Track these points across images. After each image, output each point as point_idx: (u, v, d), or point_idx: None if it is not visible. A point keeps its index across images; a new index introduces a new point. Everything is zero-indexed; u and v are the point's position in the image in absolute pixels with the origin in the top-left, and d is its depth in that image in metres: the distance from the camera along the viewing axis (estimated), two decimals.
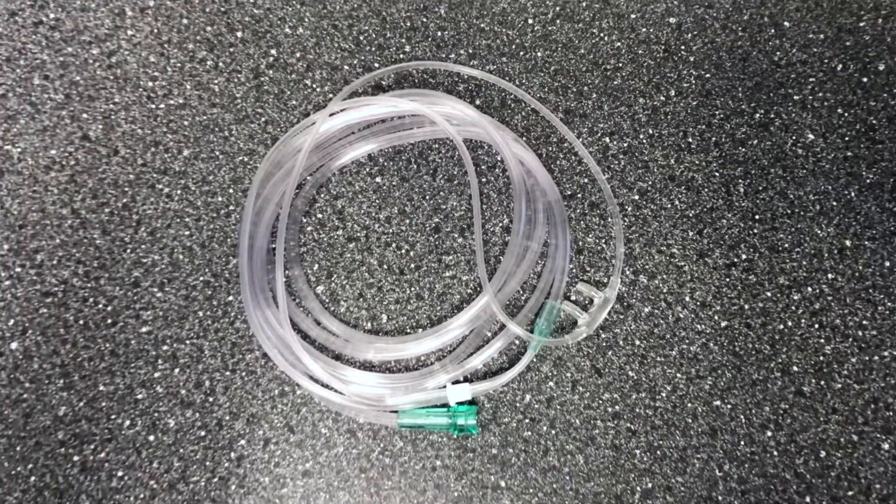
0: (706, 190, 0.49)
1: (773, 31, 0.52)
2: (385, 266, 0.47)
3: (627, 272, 0.48)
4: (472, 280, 0.47)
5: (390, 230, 0.48)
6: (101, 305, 0.47)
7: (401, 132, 0.48)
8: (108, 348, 0.43)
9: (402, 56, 0.51)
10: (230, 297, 0.47)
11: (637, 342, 0.47)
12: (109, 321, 0.46)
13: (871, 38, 0.52)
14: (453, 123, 0.48)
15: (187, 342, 0.46)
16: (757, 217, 0.49)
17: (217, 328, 0.46)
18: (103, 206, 0.48)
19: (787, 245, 0.48)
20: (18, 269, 0.47)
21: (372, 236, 0.48)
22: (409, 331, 0.46)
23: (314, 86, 0.50)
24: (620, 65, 0.51)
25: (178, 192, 0.48)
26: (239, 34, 0.50)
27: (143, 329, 0.46)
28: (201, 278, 0.47)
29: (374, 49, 0.51)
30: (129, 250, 0.47)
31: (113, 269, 0.47)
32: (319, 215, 0.48)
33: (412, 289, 0.47)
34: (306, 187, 0.48)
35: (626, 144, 0.50)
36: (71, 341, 0.46)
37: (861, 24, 0.52)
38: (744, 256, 0.48)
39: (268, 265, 0.46)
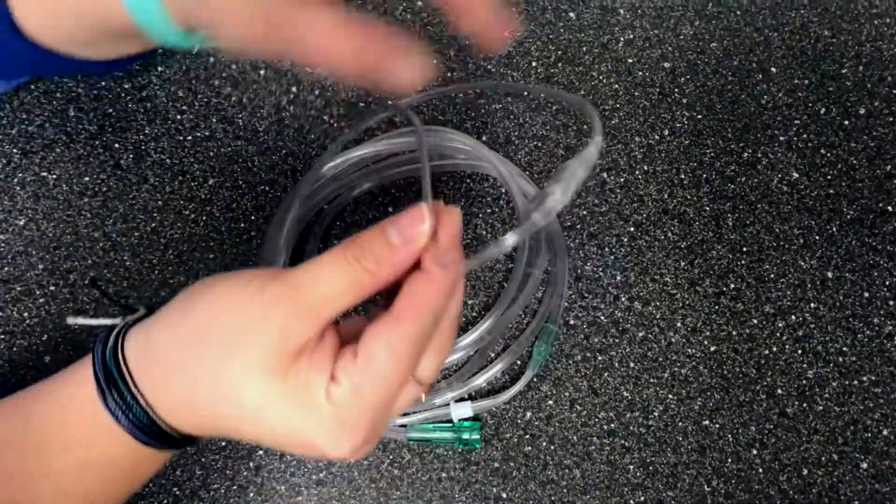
0: (697, 223, 0.54)
1: (760, 76, 0.57)
2: None
3: (623, 299, 0.52)
4: (477, 304, 0.52)
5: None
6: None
7: (414, 165, 0.53)
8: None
9: (414, 94, 0.56)
10: None
11: (631, 364, 0.51)
12: None
13: (853, 84, 0.57)
14: (461, 158, 0.53)
15: None
16: (745, 249, 0.53)
17: None
18: (133, 231, 0.52)
19: (772, 276, 0.53)
20: (52, 288, 0.51)
21: None
22: None
23: (331, 121, 0.55)
24: (618, 105, 0.56)
25: (204, 218, 0.53)
26: (262, 72, 0.55)
27: None
28: None
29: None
30: (156, 272, 0.52)
31: (142, 289, 0.51)
32: (335, 242, 0.53)
33: None
34: (324, 216, 0.53)
35: (622, 179, 0.54)
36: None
37: (843, 71, 0.58)
38: (732, 286, 0.53)
39: None
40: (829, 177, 0.55)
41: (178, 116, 0.55)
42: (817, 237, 0.54)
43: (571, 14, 0.59)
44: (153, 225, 0.53)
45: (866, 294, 0.53)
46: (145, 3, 0.41)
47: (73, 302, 0.51)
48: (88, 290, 0.52)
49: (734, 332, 0.52)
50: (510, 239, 0.31)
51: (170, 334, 0.34)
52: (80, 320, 0.51)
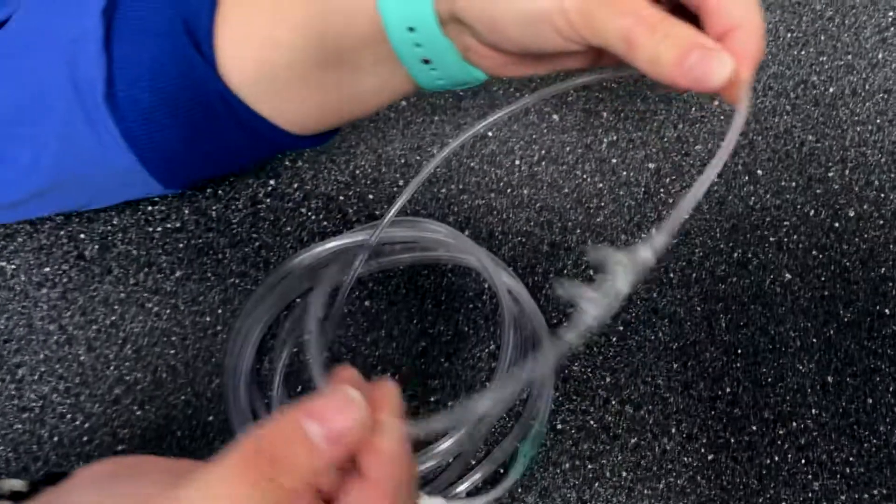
0: (689, 323, 0.52)
1: (747, 178, 0.58)
2: None
3: (613, 402, 0.50)
4: (459, 406, 0.49)
5: (377, 353, 0.50)
6: (78, 422, 0.48)
7: (391, 257, 0.52)
8: (80, 466, 0.44)
9: (394, 189, 0.55)
10: (210, 417, 0.48)
11: (624, 473, 0.48)
12: (85, 438, 0.47)
13: (840, 188, 0.57)
14: (441, 250, 0.52)
15: None
16: (739, 351, 0.52)
17: (194, 448, 0.47)
18: (91, 324, 0.50)
19: (770, 379, 0.51)
20: None
21: (358, 359, 0.50)
22: None
23: (310, 213, 0.54)
24: (603, 204, 0.56)
25: (168, 311, 0.51)
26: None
27: (119, 447, 0.47)
28: (182, 397, 0.48)
29: (368, 182, 0.56)
30: (112, 367, 0.49)
31: (94, 386, 0.49)
32: (307, 336, 0.50)
33: None
34: (296, 311, 0.51)
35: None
36: (43, 458, 0.47)
37: (830, 175, 0.58)
38: (728, 389, 0.50)
39: (251, 385, 0.48)
40: (822, 278, 0.54)
41: (150, 207, 0.54)
42: (814, 340, 0.52)
43: (555, 116, 0.59)
44: (113, 318, 0.51)
45: (869, 400, 0.51)
46: (413, 6, 0.39)
47: (18, 399, 0.48)
48: (37, 386, 0.49)
49: (732, 440, 0.49)
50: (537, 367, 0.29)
51: None
52: None
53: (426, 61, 0.42)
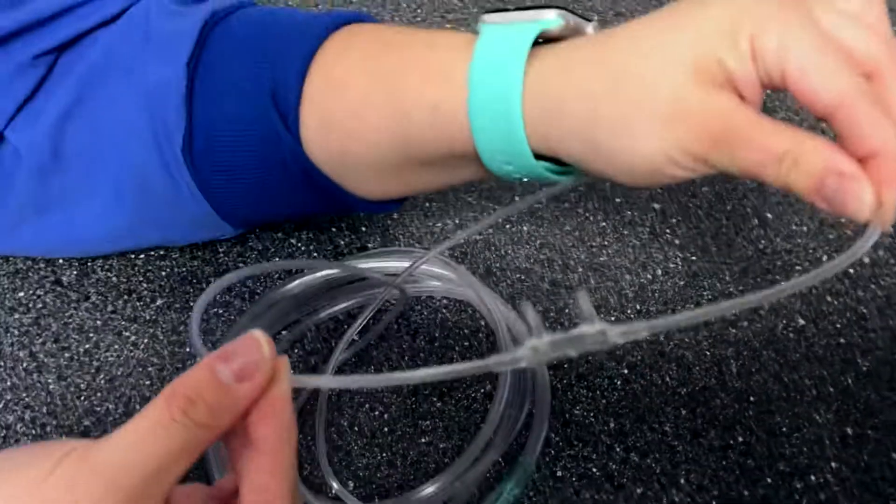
0: (697, 368, 0.50)
1: (756, 221, 0.56)
2: (356, 428, 0.46)
3: (618, 449, 0.47)
4: (450, 448, 0.46)
5: (365, 389, 0.47)
6: None
7: (379, 288, 0.50)
8: None
9: (389, 222, 0.54)
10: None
11: None
12: None
13: (854, 234, 0.56)
14: (436, 284, 0.50)
15: None
16: (752, 399, 0.49)
17: None
18: (63, 351, 0.48)
19: (784, 429, 0.48)
20: None
21: (344, 395, 0.47)
22: (377, 499, 0.44)
23: (299, 244, 0.52)
24: (606, 242, 0.54)
25: (146, 340, 0.48)
26: None
27: None
28: None
29: (362, 214, 0.54)
30: (83, 398, 0.46)
31: (63, 416, 0.46)
32: (292, 371, 0.48)
33: (383, 454, 0.45)
34: (282, 343, 0.48)
35: (612, 318, 0.51)
36: None
37: (842, 220, 0.56)
38: (740, 439, 0.47)
39: None
40: (838, 325, 0.52)
41: None
42: (831, 389, 0.49)
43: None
44: (87, 346, 0.48)
45: (893, 454, 0.48)
46: (502, 119, 0.36)
47: None
48: (1, 415, 0.46)
49: (746, 492, 0.46)
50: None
51: None
52: None
53: (521, 178, 0.40)
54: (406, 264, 0.51)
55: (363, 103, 0.39)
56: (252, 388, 0.28)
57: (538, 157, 0.37)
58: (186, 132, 0.41)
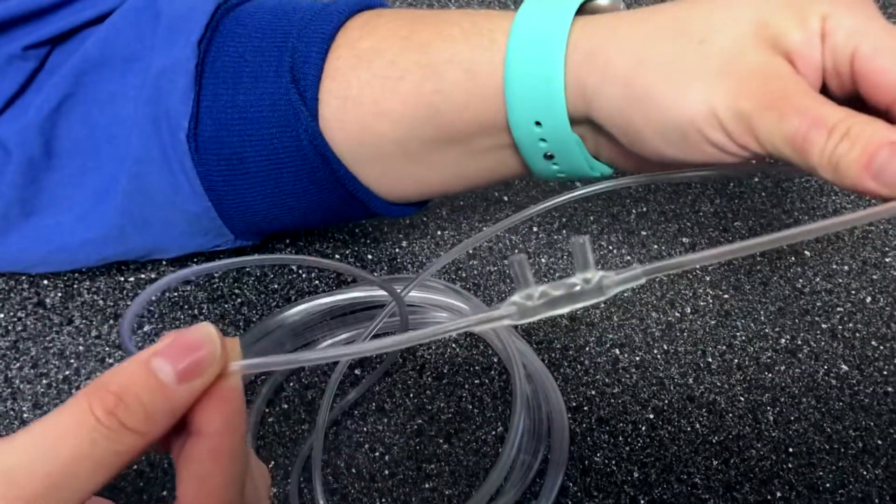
0: (730, 415, 0.46)
1: (793, 258, 0.53)
2: (353, 470, 0.43)
3: (642, 502, 0.43)
4: (456, 496, 0.42)
5: (364, 428, 0.44)
6: None
7: (386, 320, 0.46)
8: None
9: (397, 251, 0.51)
10: (164, 492, 0.42)
11: None
12: None
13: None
14: (443, 316, 0.47)
15: None
16: (791, 450, 0.45)
17: None
18: (41, 377, 0.45)
19: (828, 485, 0.44)
20: None
21: (342, 434, 0.44)
22: None
23: (300, 271, 0.50)
24: (645, 280, 0.51)
25: None
26: None
27: None
28: (135, 466, 0.42)
29: (368, 242, 0.51)
30: None
31: None
32: (285, 405, 0.45)
33: (383, 500, 0.42)
34: (275, 375, 0.45)
35: (637, 358, 0.48)
36: None
37: (887, 260, 0.53)
38: (779, 494, 0.43)
39: None
40: (884, 372, 0.48)
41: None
42: (879, 442, 0.45)
43: (578, 182, 0.55)
44: (67, 373, 0.45)
45: None
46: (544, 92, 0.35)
47: None
48: None
49: None
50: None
51: None
52: None
53: (549, 156, 0.38)
54: (416, 294, 0.48)
55: (393, 67, 0.38)
56: (193, 390, 0.24)
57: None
58: (192, 118, 0.39)
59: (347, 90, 0.39)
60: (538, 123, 0.36)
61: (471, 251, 0.52)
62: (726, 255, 0.28)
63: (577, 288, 0.28)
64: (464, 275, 0.51)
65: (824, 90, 0.34)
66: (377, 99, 0.39)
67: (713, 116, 0.31)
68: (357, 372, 0.46)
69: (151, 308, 0.48)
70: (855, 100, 0.33)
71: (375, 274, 0.50)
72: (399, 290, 0.41)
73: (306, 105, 0.39)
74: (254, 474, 0.29)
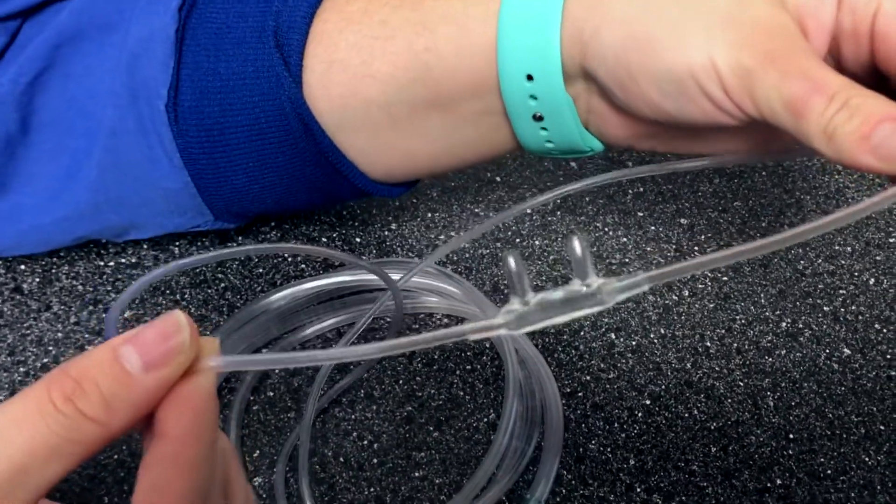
0: (729, 400, 0.45)
1: (799, 250, 0.52)
2: (341, 459, 0.42)
3: (638, 489, 0.42)
4: (446, 484, 0.42)
5: (353, 416, 0.43)
6: None
7: (373, 304, 0.46)
8: None
9: (386, 233, 0.50)
10: None
11: None
12: None
13: None
14: (434, 300, 0.46)
15: None
16: (791, 436, 0.44)
17: None
18: (18, 365, 0.44)
19: (829, 472, 0.43)
20: None
21: (330, 422, 0.43)
22: None
23: (286, 255, 0.49)
24: (627, 259, 0.50)
25: None
26: None
27: None
28: (115, 456, 0.42)
29: (356, 224, 0.50)
30: None
31: None
32: (270, 393, 0.44)
33: (371, 489, 0.41)
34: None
35: (634, 343, 0.47)
36: None
37: (891, 240, 0.52)
38: (779, 482, 0.43)
39: None
40: (888, 356, 0.48)
41: (103, 240, 0.49)
42: (882, 427, 0.45)
43: (573, 163, 0.55)
44: (45, 360, 0.45)
45: None
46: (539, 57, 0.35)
47: None
48: None
49: None
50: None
51: None
52: None
53: (538, 118, 0.37)
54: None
55: (383, 27, 0.38)
56: (160, 380, 0.23)
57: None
58: (172, 87, 0.38)
59: (334, 53, 0.38)
60: (530, 78, 0.36)
61: (462, 233, 0.51)
62: (731, 259, 0.27)
63: (576, 295, 0.27)
64: (455, 258, 0.50)
65: (835, 62, 0.34)
66: (365, 60, 0.38)
67: (712, 68, 0.31)
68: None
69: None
70: (866, 76, 0.33)
71: (364, 258, 0.49)
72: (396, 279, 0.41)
73: (290, 71, 0.38)
74: (235, 490, 0.28)
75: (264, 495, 0.41)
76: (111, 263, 0.48)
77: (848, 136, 0.28)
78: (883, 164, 0.27)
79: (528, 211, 0.52)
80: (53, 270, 0.48)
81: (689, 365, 0.47)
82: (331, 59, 0.38)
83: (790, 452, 0.44)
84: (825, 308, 0.49)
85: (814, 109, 0.28)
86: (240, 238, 0.49)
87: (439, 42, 0.37)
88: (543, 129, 0.38)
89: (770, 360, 0.47)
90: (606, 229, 0.52)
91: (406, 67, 0.38)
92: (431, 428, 0.44)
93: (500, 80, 0.37)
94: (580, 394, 0.45)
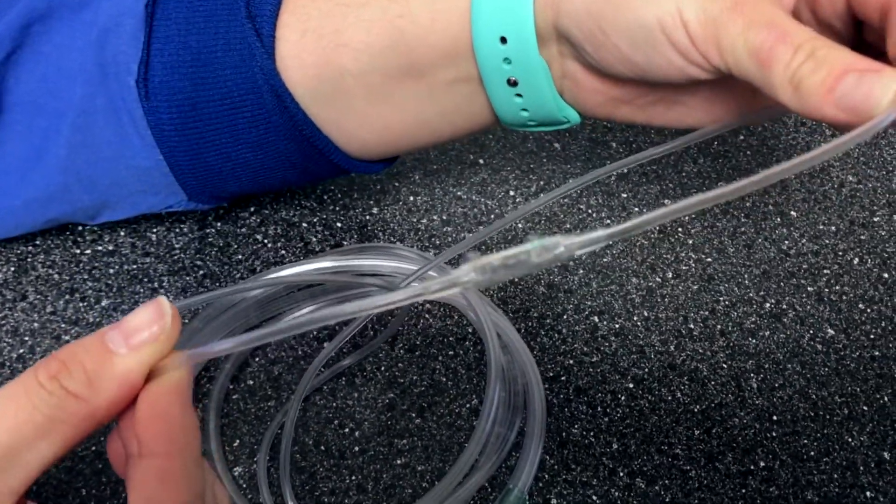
0: (713, 382, 0.45)
1: (778, 219, 0.52)
2: (322, 447, 0.42)
3: (621, 473, 0.42)
4: (429, 471, 0.42)
5: (334, 404, 0.43)
6: None
7: (355, 290, 0.45)
8: None
9: (368, 217, 0.50)
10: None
11: None
12: None
13: (888, 234, 0.52)
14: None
15: None
16: (775, 418, 0.45)
17: None
18: None
19: (812, 453, 0.44)
20: None
21: (311, 410, 0.43)
22: None
23: (265, 241, 0.48)
24: (610, 242, 0.50)
25: None
26: None
27: None
28: (93, 448, 0.41)
29: (337, 209, 0.50)
30: None
31: None
32: (250, 381, 0.44)
33: (353, 478, 0.41)
34: (235, 357, 0.44)
35: (617, 326, 0.47)
36: None
37: (875, 219, 0.52)
38: (762, 464, 0.43)
39: None
40: (871, 336, 0.48)
41: (79, 227, 0.48)
42: (865, 408, 0.45)
43: (556, 145, 0.54)
44: (21, 351, 0.44)
45: None
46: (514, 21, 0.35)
47: None
48: None
49: None
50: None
51: None
52: None
53: (513, 83, 0.37)
54: (388, 263, 0.47)
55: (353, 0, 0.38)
56: (142, 359, 0.24)
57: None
58: (142, 63, 0.38)
59: (307, 22, 0.38)
60: (503, 40, 0.36)
61: (444, 217, 0.51)
62: (695, 206, 0.27)
63: (532, 249, 0.27)
64: (437, 242, 0.50)
65: (811, 11, 0.34)
66: (339, 28, 0.38)
67: (679, 17, 0.31)
68: (326, 345, 0.45)
69: (110, 282, 0.46)
70: (842, 25, 0.33)
71: (346, 243, 0.49)
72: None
73: (262, 42, 0.38)
74: (217, 493, 0.28)
75: (245, 485, 0.41)
76: (87, 251, 0.48)
77: (814, 88, 0.28)
78: (846, 115, 0.28)
79: (511, 193, 0.52)
80: (29, 259, 0.47)
81: (672, 347, 0.47)
82: (304, 28, 0.38)
83: (773, 434, 0.44)
84: (809, 288, 0.49)
85: (779, 59, 0.28)
86: (218, 224, 0.49)
87: (413, 7, 0.37)
88: (518, 95, 0.38)
89: (754, 341, 0.47)
90: (590, 211, 0.52)
91: (380, 34, 0.37)
92: (413, 415, 0.44)
93: (474, 44, 0.36)
94: (563, 378, 0.45)
